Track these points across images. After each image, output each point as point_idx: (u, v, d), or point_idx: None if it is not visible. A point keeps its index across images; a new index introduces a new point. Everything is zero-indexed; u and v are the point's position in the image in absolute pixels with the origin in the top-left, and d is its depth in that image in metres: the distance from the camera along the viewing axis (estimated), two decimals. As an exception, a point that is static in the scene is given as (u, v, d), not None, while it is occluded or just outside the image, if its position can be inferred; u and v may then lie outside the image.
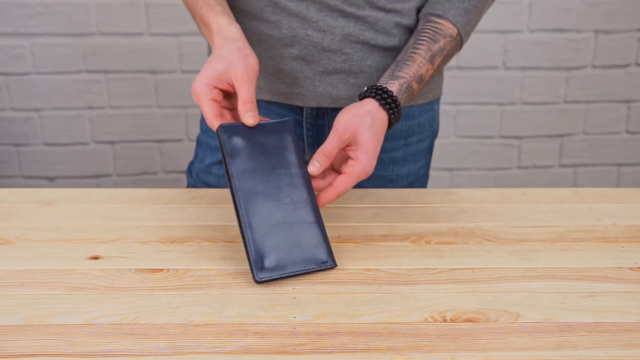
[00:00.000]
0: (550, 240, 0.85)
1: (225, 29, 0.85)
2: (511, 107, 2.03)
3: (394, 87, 0.86)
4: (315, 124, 1.04)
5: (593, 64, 1.98)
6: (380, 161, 1.03)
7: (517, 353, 0.64)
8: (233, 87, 0.81)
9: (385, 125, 0.84)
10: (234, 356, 0.63)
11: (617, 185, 2.14)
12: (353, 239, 0.85)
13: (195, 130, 1.98)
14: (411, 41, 0.92)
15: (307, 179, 0.79)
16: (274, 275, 0.74)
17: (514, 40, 1.95)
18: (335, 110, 1.02)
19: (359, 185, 0.93)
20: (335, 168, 0.83)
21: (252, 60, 0.81)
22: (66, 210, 0.92)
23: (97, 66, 1.92)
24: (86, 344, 0.64)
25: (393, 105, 0.84)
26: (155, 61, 1.92)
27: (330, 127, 1.03)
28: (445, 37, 0.91)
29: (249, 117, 0.79)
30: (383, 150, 1.03)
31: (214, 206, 0.93)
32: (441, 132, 1.93)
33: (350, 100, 1.00)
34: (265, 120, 0.82)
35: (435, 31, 0.91)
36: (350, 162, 0.80)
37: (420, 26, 0.93)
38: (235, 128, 0.79)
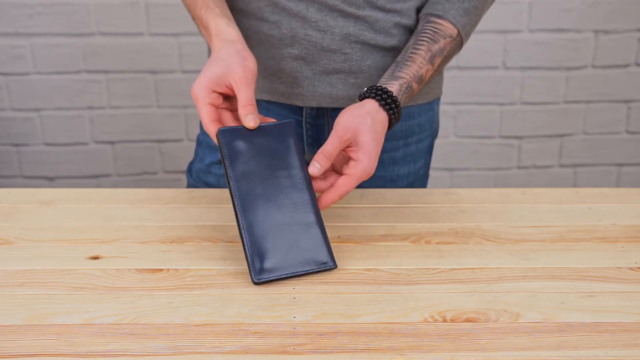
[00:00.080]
0: (550, 240, 0.85)
1: (224, 31, 0.85)
2: (511, 107, 2.03)
3: (394, 87, 0.86)
4: (314, 124, 1.04)
5: (593, 64, 1.98)
6: (380, 161, 1.03)
7: (517, 353, 0.64)
8: (232, 90, 0.81)
9: (385, 125, 0.84)
10: (234, 356, 0.63)
11: (617, 185, 2.14)
12: (353, 239, 0.85)
13: (195, 130, 1.98)
14: (411, 41, 0.92)
15: (308, 180, 0.79)
16: (272, 276, 0.74)
17: (514, 40, 1.95)
18: (335, 110, 1.02)
19: (360, 185, 0.93)
20: (336, 169, 0.83)
21: (251, 63, 0.81)
22: (66, 210, 0.92)
23: (97, 66, 1.92)
24: (86, 344, 0.64)
25: (393, 105, 0.84)
26: (155, 61, 1.92)
27: (330, 127, 1.03)
28: (445, 38, 0.91)
29: (250, 119, 0.79)
30: (383, 150, 1.03)
31: (214, 206, 0.93)
32: (441, 132, 1.93)
33: (349, 100, 1.00)
34: (269, 120, 0.82)
35: (435, 31, 0.91)
36: (351, 163, 0.80)
37: (420, 26, 0.93)
38: (236, 131, 0.79)
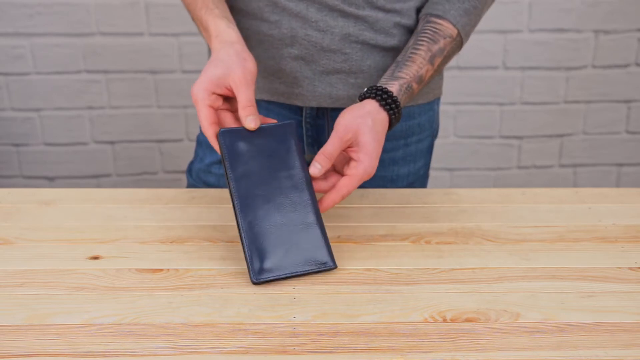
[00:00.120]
0: (550, 240, 0.85)
1: (224, 32, 0.85)
2: (511, 107, 2.03)
3: (394, 87, 0.86)
4: (314, 124, 1.04)
5: (593, 64, 1.98)
6: (380, 161, 1.03)
7: (517, 353, 0.64)
8: (232, 91, 0.81)
9: (386, 125, 0.84)
10: (234, 356, 0.63)
11: (617, 185, 2.14)
12: (353, 239, 0.85)
13: (195, 130, 1.98)
14: (411, 42, 0.92)
15: (308, 180, 0.79)
16: (271, 276, 0.74)
17: (514, 40, 1.95)
18: (335, 110, 1.02)
19: (360, 185, 0.93)
20: (337, 170, 0.83)
21: (250, 64, 0.81)
22: (66, 210, 0.92)
23: (97, 66, 1.92)
24: (86, 344, 0.64)
25: (393, 105, 0.84)
26: (155, 61, 1.92)
27: (330, 127, 1.03)
28: (445, 38, 0.91)
29: (250, 121, 0.79)
30: (383, 150, 1.02)
31: (214, 206, 0.93)
32: (441, 132, 1.93)
33: (349, 100, 1.00)
34: (270, 121, 0.82)
35: (435, 32, 0.91)
36: (352, 163, 0.80)
37: (420, 27, 0.93)
38: (236, 132, 0.79)
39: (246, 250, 0.75)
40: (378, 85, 0.86)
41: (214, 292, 0.73)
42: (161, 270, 0.77)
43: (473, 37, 1.01)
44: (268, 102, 1.03)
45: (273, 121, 0.83)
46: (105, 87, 1.94)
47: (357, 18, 0.95)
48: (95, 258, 0.80)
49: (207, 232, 0.86)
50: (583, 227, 0.88)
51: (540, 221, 0.90)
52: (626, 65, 1.99)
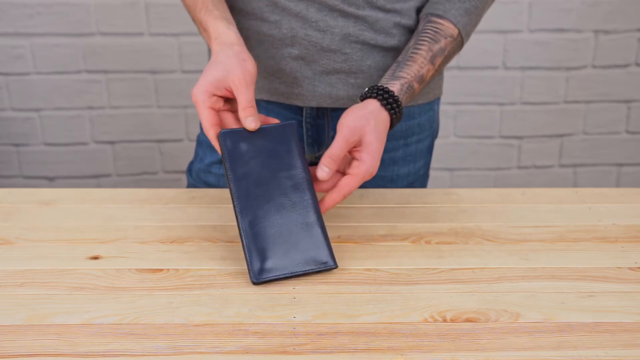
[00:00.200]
0: (550, 240, 0.85)
1: (223, 33, 0.85)
2: (511, 107, 2.03)
3: (395, 87, 0.86)
4: (314, 124, 1.04)
5: (593, 64, 1.98)
6: (380, 161, 1.03)
7: (517, 353, 0.64)
8: (232, 92, 0.81)
9: (387, 125, 0.84)
10: (234, 356, 0.63)
11: (617, 185, 2.14)
12: (353, 239, 0.85)
13: (195, 130, 1.98)
14: (412, 41, 0.92)
15: (309, 181, 0.79)
16: (271, 276, 0.74)
17: (514, 40, 1.95)
18: (335, 110, 1.02)
19: (360, 185, 0.93)
20: (339, 169, 0.83)
21: (250, 65, 0.82)
22: (66, 210, 0.92)
23: (97, 66, 1.92)
24: (86, 344, 0.64)
25: (395, 105, 0.84)
26: (155, 61, 1.92)
27: (330, 127, 1.03)
28: (446, 38, 0.91)
29: (250, 121, 0.79)
30: (383, 150, 1.02)
31: (214, 206, 0.93)
32: (441, 132, 1.93)
33: (349, 100, 1.00)
34: (271, 120, 0.82)
35: (436, 31, 0.91)
36: (354, 163, 0.80)
37: (421, 26, 0.93)
38: (237, 133, 0.79)
39: (246, 250, 0.75)
40: (379, 84, 0.86)
41: (214, 292, 0.73)
42: (161, 270, 0.77)
43: (473, 37, 1.01)
44: (268, 102, 1.03)
45: (274, 120, 0.83)
46: (105, 87, 1.94)
47: (357, 18, 0.95)
48: (95, 258, 0.80)
49: (207, 232, 0.86)
50: (583, 227, 0.88)
51: (540, 221, 0.90)
52: (626, 65, 1.99)
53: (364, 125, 0.80)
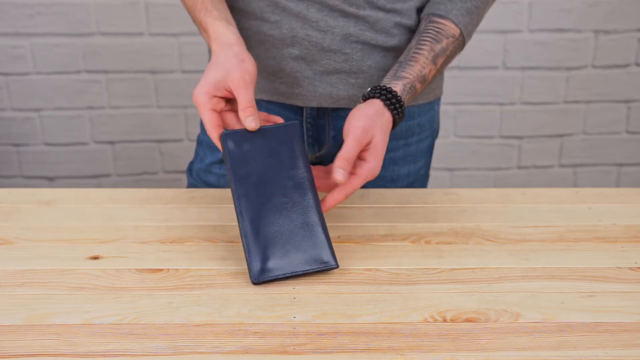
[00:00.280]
0: (550, 240, 0.85)
1: (222, 34, 0.85)
2: (511, 107, 2.03)
3: (398, 87, 0.86)
4: (315, 124, 1.04)
5: (593, 64, 1.98)
6: (381, 161, 1.03)
7: (517, 353, 0.64)
8: (232, 93, 0.81)
9: (390, 125, 0.84)
10: (234, 356, 0.63)
11: (617, 185, 2.14)
12: (353, 239, 0.85)
13: (195, 130, 1.98)
14: (414, 41, 0.92)
15: (311, 181, 0.79)
16: (271, 276, 0.74)
17: (514, 40, 1.95)
18: (335, 111, 1.02)
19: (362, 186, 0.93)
20: None
21: (249, 65, 0.82)
22: (66, 210, 0.92)
23: (97, 66, 1.92)
24: (86, 344, 0.64)
25: (397, 105, 0.84)
26: (155, 61, 1.92)
27: (330, 127, 1.03)
28: (447, 38, 0.91)
29: (250, 121, 0.79)
30: (384, 151, 1.03)
31: (214, 206, 0.93)
32: (441, 132, 1.93)
33: (350, 100, 1.00)
34: (273, 119, 0.82)
35: (437, 31, 0.91)
36: (358, 162, 0.80)
37: (422, 26, 0.93)
38: (239, 134, 0.79)
39: (246, 250, 0.75)
40: (382, 84, 0.86)
41: (214, 292, 0.73)
42: (161, 270, 0.77)
43: (473, 37, 1.01)
44: (268, 102, 1.03)
45: (276, 117, 0.83)
46: (105, 87, 1.94)
47: (357, 18, 0.95)
48: (95, 258, 0.80)
49: (207, 232, 0.86)
50: (583, 227, 0.88)
51: (540, 221, 0.90)
52: (626, 65, 1.99)
53: (373, 125, 0.81)
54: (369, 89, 0.86)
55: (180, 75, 1.94)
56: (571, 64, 1.98)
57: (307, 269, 0.76)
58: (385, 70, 0.98)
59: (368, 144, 0.81)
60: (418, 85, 0.89)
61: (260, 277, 0.74)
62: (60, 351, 0.63)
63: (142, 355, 0.63)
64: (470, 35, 0.94)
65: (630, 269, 0.78)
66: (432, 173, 1.94)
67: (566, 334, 0.66)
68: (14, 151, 2.01)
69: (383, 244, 0.84)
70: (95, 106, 1.96)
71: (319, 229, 0.77)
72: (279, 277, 0.75)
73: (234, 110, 0.83)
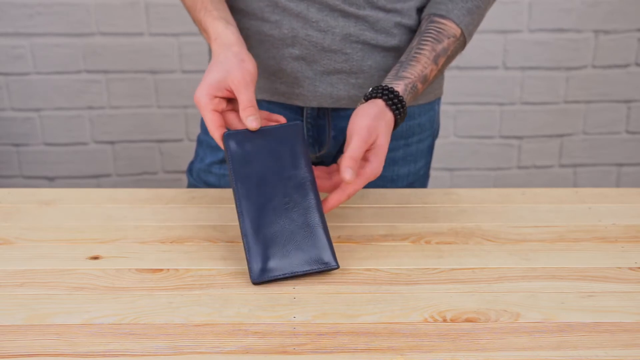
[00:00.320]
0: (550, 240, 0.85)
1: (222, 34, 0.85)
2: (511, 107, 2.03)
3: (399, 87, 0.86)
4: (315, 124, 1.04)
5: (593, 64, 1.98)
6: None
7: (517, 353, 0.64)
8: (233, 93, 0.81)
9: (392, 125, 0.84)
10: (234, 356, 0.63)
11: (617, 185, 2.14)
12: (353, 239, 0.85)
13: (195, 130, 1.98)
14: (415, 41, 0.92)
15: (313, 181, 0.79)
16: (271, 276, 0.74)
17: (514, 40, 1.95)
18: (336, 111, 1.02)
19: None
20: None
21: (249, 64, 0.82)
22: (66, 210, 0.92)
23: (97, 66, 1.92)
24: (86, 344, 0.64)
25: (399, 105, 0.84)
26: (155, 61, 1.92)
27: (330, 127, 1.03)
28: (449, 38, 0.91)
29: (251, 121, 0.79)
30: (384, 151, 1.03)
31: (214, 206, 0.93)
32: (441, 132, 1.92)
33: (350, 101, 1.00)
34: (275, 118, 0.82)
35: (438, 31, 0.91)
36: (360, 162, 0.80)
37: (423, 26, 0.93)
38: (241, 134, 0.79)
39: (247, 250, 0.75)
40: (384, 84, 0.86)
41: (214, 292, 0.73)
42: (161, 270, 0.77)
43: (473, 37, 1.01)
44: (269, 102, 1.03)
45: (278, 116, 0.83)
46: (105, 87, 1.94)
47: (357, 18, 0.95)
48: (95, 258, 0.80)
49: (207, 232, 0.86)
50: (583, 227, 0.88)
51: (540, 221, 0.90)
52: (626, 65, 1.99)
53: (377, 125, 0.81)
54: (371, 89, 0.86)
55: (180, 75, 1.94)
56: (571, 64, 1.98)
57: (307, 269, 0.76)
58: (386, 71, 0.98)
59: (372, 144, 0.81)
60: (419, 86, 0.89)
61: (261, 277, 0.74)
62: (60, 351, 0.63)
63: (142, 355, 0.63)
64: (471, 35, 0.94)
65: (630, 269, 0.78)
66: (432, 173, 1.94)
67: (566, 334, 0.66)
68: (14, 151, 2.01)
69: (383, 244, 0.84)
70: (95, 106, 1.96)
71: (319, 230, 0.77)
72: (279, 277, 0.75)
73: (236, 110, 0.83)
